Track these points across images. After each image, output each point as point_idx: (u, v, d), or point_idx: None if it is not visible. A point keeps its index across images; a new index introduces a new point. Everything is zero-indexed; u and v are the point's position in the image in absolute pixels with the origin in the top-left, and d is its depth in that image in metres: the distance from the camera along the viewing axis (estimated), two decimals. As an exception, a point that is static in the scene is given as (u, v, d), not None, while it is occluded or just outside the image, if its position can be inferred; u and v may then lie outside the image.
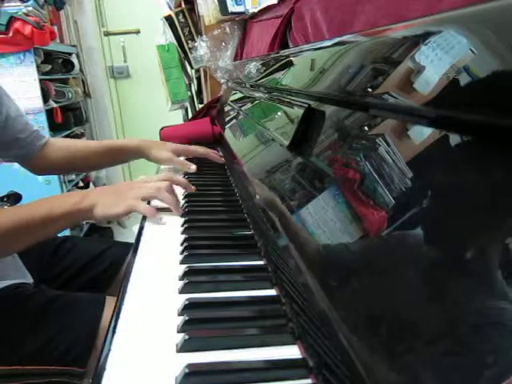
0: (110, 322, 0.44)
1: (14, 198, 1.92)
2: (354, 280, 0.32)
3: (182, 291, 0.48)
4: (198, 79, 2.19)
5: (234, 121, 1.12)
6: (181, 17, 1.99)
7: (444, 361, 0.21)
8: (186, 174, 0.98)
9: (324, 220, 0.39)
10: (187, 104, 2.34)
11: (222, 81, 1.63)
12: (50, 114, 2.23)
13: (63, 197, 0.72)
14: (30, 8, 2.12)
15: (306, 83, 0.59)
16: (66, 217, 0.68)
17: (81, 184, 2.69)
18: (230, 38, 1.58)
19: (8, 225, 0.64)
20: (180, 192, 0.85)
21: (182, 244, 0.60)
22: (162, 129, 1.44)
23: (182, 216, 0.71)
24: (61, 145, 1.02)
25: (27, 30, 1.96)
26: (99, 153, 1.02)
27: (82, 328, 0.70)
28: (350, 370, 0.27)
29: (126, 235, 2.94)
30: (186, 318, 0.41)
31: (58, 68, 2.50)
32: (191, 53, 1.90)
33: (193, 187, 0.83)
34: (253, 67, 1.02)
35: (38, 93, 2.11)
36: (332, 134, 0.47)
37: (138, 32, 3.11)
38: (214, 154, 1.06)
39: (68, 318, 0.72)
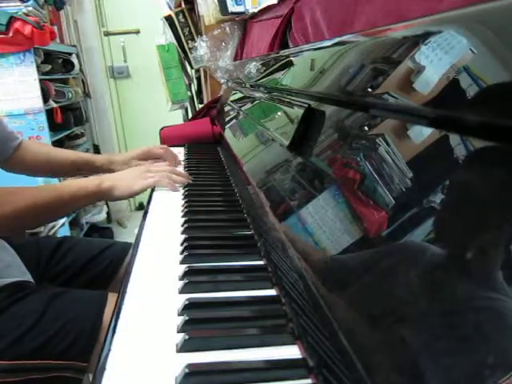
0: (110, 321, 0.44)
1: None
2: (354, 280, 0.32)
3: (182, 291, 0.48)
4: (198, 79, 2.19)
5: (233, 121, 1.12)
6: (181, 17, 1.99)
7: (445, 361, 0.21)
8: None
9: (324, 220, 0.39)
10: (187, 104, 2.34)
11: (222, 81, 1.63)
12: (50, 113, 2.23)
13: (85, 181, 0.81)
14: (30, 8, 2.12)
15: (305, 83, 0.59)
16: (89, 196, 0.79)
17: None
18: (230, 38, 1.58)
19: (45, 199, 0.74)
20: (180, 192, 0.85)
21: (182, 244, 0.60)
22: (161, 129, 1.44)
23: (182, 216, 0.71)
24: (32, 150, 1.05)
25: (27, 30, 1.96)
26: (66, 164, 1.07)
27: (84, 323, 0.71)
28: (349, 369, 0.27)
29: (126, 235, 2.94)
30: (186, 318, 0.41)
31: (58, 68, 2.49)
32: (191, 53, 1.90)
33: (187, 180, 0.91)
34: (253, 67, 1.02)
35: (38, 93, 2.11)
36: (332, 134, 0.47)
37: (137, 32, 3.11)
38: (171, 155, 1.10)
39: (71, 314, 0.72)
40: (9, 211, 0.70)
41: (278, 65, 0.81)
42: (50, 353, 0.69)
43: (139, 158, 1.07)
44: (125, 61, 3.25)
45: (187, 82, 2.24)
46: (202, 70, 1.98)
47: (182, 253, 0.57)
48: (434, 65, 0.29)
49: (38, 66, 2.14)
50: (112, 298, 0.75)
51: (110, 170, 1.05)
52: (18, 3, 2.11)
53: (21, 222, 0.74)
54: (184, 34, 2.01)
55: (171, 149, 1.13)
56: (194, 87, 2.34)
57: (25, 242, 0.92)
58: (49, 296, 0.73)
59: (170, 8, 2.07)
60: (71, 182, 0.84)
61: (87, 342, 0.69)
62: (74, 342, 0.70)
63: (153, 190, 0.89)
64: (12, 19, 1.94)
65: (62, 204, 0.77)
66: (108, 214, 3.08)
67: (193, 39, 1.98)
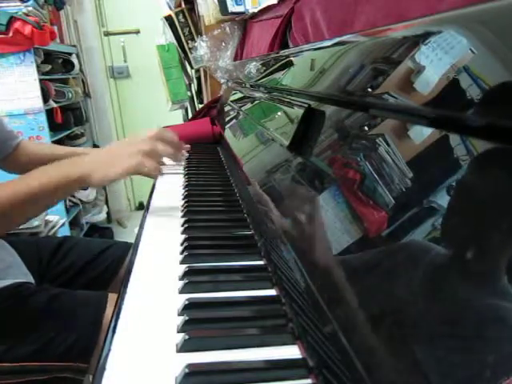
0: (110, 321, 0.44)
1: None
2: (354, 280, 0.32)
3: (182, 291, 0.48)
4: (198, 79, 2.19)
5: (233, 121, 1.12)
6: (181, 17, 1.99)
7: (444, 361, 0.21)
8: (186, 174, 0.98)
9: (324, 220, 0.39)
10: (187, 104, 2.34)
11: (222, 81, 1.63)
12: (50, 114, 2.23)
13: (55, 167, 0.70)
14: (30, 8, 2.12)
15: (305, 83, 0.59)
16: (59, 189, 0.68)
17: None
18: (230, 38, 1.58)
19: (3, 200, 0.65)
20: (180, 192, 0.85)
21: (182, 244, 0.60)
22: (161, 129, 1.44)
23: (182, 216, 0.71)
24: (31, 149, 1.03)
25: (27, 30, 1.96)
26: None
27: (84, 324, 0.71)
28: (349, 369, 0.27)
29: (125, 235, 2.94)
30: (186, 318, 0.41)
31: (58, 68, 2.49)
32: (191, 53, 1.90)
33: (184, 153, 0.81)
34: (253, 67, 1.02)
35: (38, 93, 2.11)
36: (332, 134, 0.47)
37: (137, 32, 3.11)
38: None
39: (71, 315, 0.72)
40: None
41: (278, 65, 0.81)
42: (50, 354, 0.69)
43: None
44: (125, 61, 3.25)
45: (187, 82, 2.25)
46: (202, 69, 1.98)
47: (182, 253, 0.57)
48: (434, 65, 0.29)
49: (38, 66, 2.14)
50: (112, 298, 0.75)
51: None
52: (18, 3, 2.11)
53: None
54: (184, 33, 2.01)
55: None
56: (194, 87, 2.34)
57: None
58: (49, 297, 0.73)
59: (170, 8, 2.07)
60: (37, 172, 0.70)
61: (87, 344, 0.69)
62: (75, 344, 0.69)
63: (153, 190, 0.89)
64: (12, 19, 1.94)
65: (23, 205, 0.67)
66: (108, 213, 3.08)
67: (193, 39, 1.98)
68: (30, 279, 0.82)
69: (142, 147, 0.71)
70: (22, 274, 0.81)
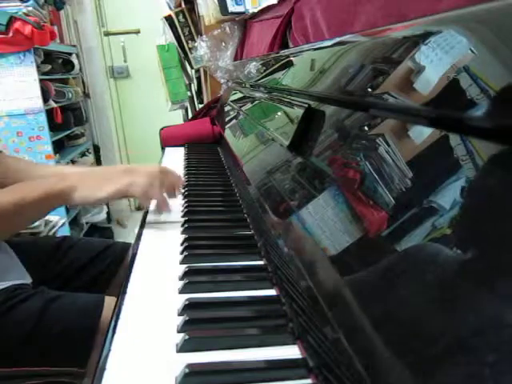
0: (110, 321, 0.43)
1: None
2: (354, 279, 0.32)
3: (182, 291, 0.48)
4: (198, 79, 2.19)
5: (234, 121, 1.12)
6: (181, 17, 1.99)
7: (444, 362, 0.21)
8: (186, 174, 0.98)
9: (324, 220, 0.39)
10: (187, 104, 2.34)
11: (222, 81, 1.63)
12: (50, 114, 2.23)
13: (40, 181, 0.67)
14: (30, 8, 2.12)
15: (305, 83, 0.59)
16: (40, 202, 0.64)
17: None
18: (230, 38, 1.58)
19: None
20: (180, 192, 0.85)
21: (182, 244, 0.60)
22: (162, 129, 1.44)
23: (182, 216, 0.71)
24: (9, 161, 0.91)
25: (27, 29, 1.96)
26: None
27: (81, 328, 0.70)
28: (349, 369, 0.27)
29: (125, 235, 2.94)
30: (186, 318, 0.41)
31: (57, 68, 2.49)
32: (191, 53, 1.90)
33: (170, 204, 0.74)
34: (253, 67, 1.02)
35: (38, 93, 2.11)
36: (332, 134, 0.47)
37: (137, 32, 3.10)
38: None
39: (67, 319, 0.71)
40: None
41: (278, 65, 0.81)
42: (46, 360, 0.68)
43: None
44: (125, 61, 3.25)
45: (187, 82, 2.25)
46: (201, 69, 1.98)
47: (182, 253, 0.57)
48: (434, 65, 0.29)
49: (37, 66, 2.13)
50: (109, 301, 0.74)
51: None
52: (18, 3, 2.11)
53: None
54: (184, 33, 2.01)
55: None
56: (194, 87, 2.34)
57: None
58: (45, 301, 0.72)
59: (170, 8, 2.07)
60: (23, 185, 0.67)
61: (84, 348, 0.68)
62: (71, 349, 0.69)
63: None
64: (12, 19, 1.94)
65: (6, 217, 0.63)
66: (108, 213, 3.08)
67: (193, 39, 1.98)
68: (28, 280, 0.82)
69: (139, 177, 0.67)
70: (20, 275, 0.80)
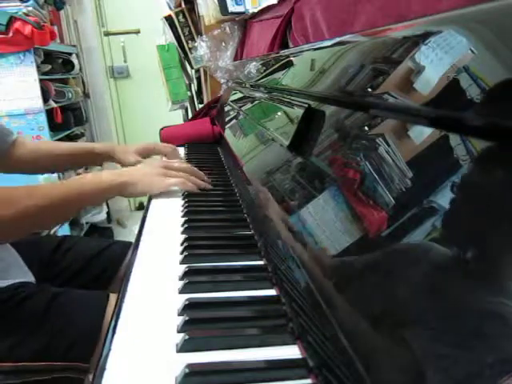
0: (110, 321, 0.44)
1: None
2: (354, 279, 0.32)
3: (182, 291, 0.48)
4: (198, 79, 2.19)
5: (234, 121, 1.12)
6: (181, 17, 1.99)
7: (444, 361, 0.21)
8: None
9: (324, 220, 0.39)
10: (187, 104, 2.34)
11: (222, 81, 1.63)
12: (50, 114, 2.23)
13: (98, 176, 0.76)
14: (30, 8, 2.12)
15: (305, 83, 0.59)
16: (101, 192, 0.74)
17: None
18: (230, 38, 1.58)
19: (48, 201, 0.68)
20: (180, 192, 0.85)
21: (182, 244, 0.60)
22: (161, 129, 1.44)
23: (182, 216, 0.71)
24: (29, 146, 1.02)
25: (27, 29, 1.96)
26: (65, 155, 1.03)
27: (85, 324, 0.71)
28: (349, 369, 0.27)
29: (125, 235, 2.94)
30: (186, 318, 0.41)
31: (57, 68, 2.49)
32: (191, 53, 1.90)
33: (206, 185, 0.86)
34: (253, 67, 1.02)
35: (38, 93, 2.11)
36: (332, 134, 0.47)
37: (137, 32, 3.10)
38: (175, 153, 1.07)
39: (71, 315, 0.72)
40: (24, 212, 0.66)
41: (278, 65, 0.81)
42: (51, 354, 0.69)
43: (141, 153, 1.02)
44: (125, 61, 3.25)
45: (187, 82, 2.25)
46: (201, 69, 1.98)
47: (182, 253, 0.57)
48: (434, 65, 0.29)
49: (38, 66, 2.14)
50: (113, 298, 0.75)
51: (111, 159, 1.02)
52: (18, 3, 2.11)
53: (38, 221, 0.71)
54: (184, 33, 2.01)
55: (178, 149, 1.10)
56: (194, 87, 2.34)
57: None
58: (49, 297, 0.73)
59: (170, 8, 2.07)
60: (82, 177, 0.78)
61: (88, 343, 0.69)
62: (76, 343, 0.69)
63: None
64: (12, 19, 1.94)
65: (72, 203, 0.72)
66: (108, 213, 3.08)
67: (193, 39, 1.98)
68: (31, 278, 0.82)
69: (167, 167, 0.81)
70: (22, 274, 0.81)
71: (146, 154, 1.05)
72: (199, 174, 0.86)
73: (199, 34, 1.89)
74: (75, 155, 1.04)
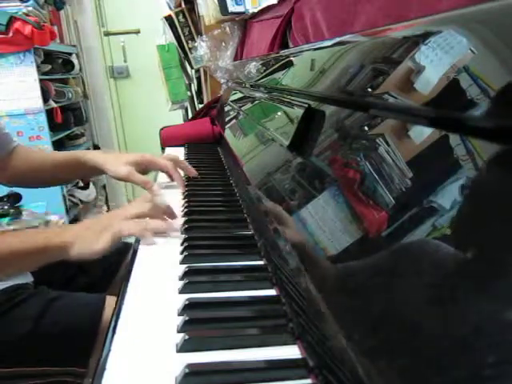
0: (110, 321, 0.43)
1: (13, 198, 1.93)
2: (354, 280, 0.32)
3: (182, 291, 0.48)
4: (198, 79, 2.19)
5: (233, 121, 1.12)
6: (181, 17, 1.99)
7: (444, 362, 0.21)
8: (185, 175, 0.97)
9: (324, 220, 0.39)
10: (187, 104, 2.34)
11: (222, 81, 1.63)
12: (50, 114, 2.23)
13: (38, 232, 0.67)
14: (30, 8, 2.12)
15: (305, 83, 0.59)
16: (36, 253, 0.63)
17: (81, 184, 2.69)
18: (230, 38, 1.58)
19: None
20: (179, 192, 0.85)
21: (182, 244, 0.60)
22: (162, 129, 1.44)
23: (182, 216, 0.71)
24: (27, 153, 0.95)
25: (27, 29, 1.96)
26: (48, 166, 0.95)
27: (82, 328, 0.70)
28: (349, 369, 0.27)
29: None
30: (186, 318, 0.41)
31: (57, 68, 2.50)
32: (191, 53, 1.90)
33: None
34: (253, 67, 1.02)
35: (38, 93, 2.11)
36: (332, 134, 0.47)
37: (137, 32, 3.10)
38: (178, 175, 0.89)
39: (68, 318, 0.72)
40: None
41: (278, 65, 0.81)
42: (48, 359, 0.68)
43: (136, 165, 0.86)
44: (125, 61, 3.24)
45: (187, 82, 2.25)
46: (201, 69, 1.98)
47: (182, 253, 0.57)
48: (434, 65, 0.29)
49: (38, 66, 2.14)
50: (110, 300, 0.74)
51: (100, 172, 0.90)
52: (18, 3, 2.11)
53: None
54: (184, 33, 2.01)
55: (179, 155, 0.99)
56: (194, 87, 2.34)
57: None
58: (47, 300, 0.73)
59: (170, 8, 2.07)
60: (20, 233, 0.67)
61: (85, 348, 0.68)
62: (73, 348, 0.69)
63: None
64: (12, 19, 1.94)
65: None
66: (108, 214, 3.07)
67: (193, 39, 1.98)
68: (29, 279, 0.82)
69: (127, 212, 0.65)
70: (21, 276, 0.81)
71: (139, 168, 0.87)
72: (164, 211, 0.68)
73: (199, 34, 1.89)
74: (58, 166, 0.94)
